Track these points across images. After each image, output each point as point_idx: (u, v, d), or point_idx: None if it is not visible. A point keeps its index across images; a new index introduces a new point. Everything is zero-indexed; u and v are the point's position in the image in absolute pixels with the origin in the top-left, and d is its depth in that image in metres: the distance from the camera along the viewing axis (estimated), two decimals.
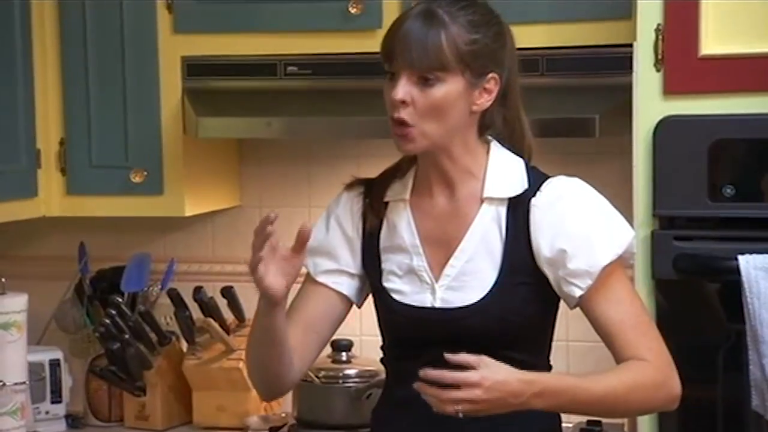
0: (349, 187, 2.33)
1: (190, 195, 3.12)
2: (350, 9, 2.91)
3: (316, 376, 3.12)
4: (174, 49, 3.06)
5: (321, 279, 2.31)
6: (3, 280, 3.09)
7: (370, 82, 2.91)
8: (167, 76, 3.07)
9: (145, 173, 3.09)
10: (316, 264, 2.32)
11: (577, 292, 2.16)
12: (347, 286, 2.30)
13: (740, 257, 2.36)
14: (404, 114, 2.14)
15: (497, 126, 2.25)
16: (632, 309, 2.17)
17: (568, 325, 3.11)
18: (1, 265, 3.27)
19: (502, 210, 2.20)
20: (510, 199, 2.20)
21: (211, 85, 3.06)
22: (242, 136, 3.23)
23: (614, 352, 2.17)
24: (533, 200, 2.19)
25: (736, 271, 2.35)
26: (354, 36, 2.93)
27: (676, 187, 2.43)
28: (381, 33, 2.85)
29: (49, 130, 3.13)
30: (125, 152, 3.10)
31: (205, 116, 3.01)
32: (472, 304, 2.18)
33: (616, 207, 2.90)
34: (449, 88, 2.14)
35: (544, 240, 2.16)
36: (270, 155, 3.36)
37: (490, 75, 2.17)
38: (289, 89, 3.00)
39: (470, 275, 2.19)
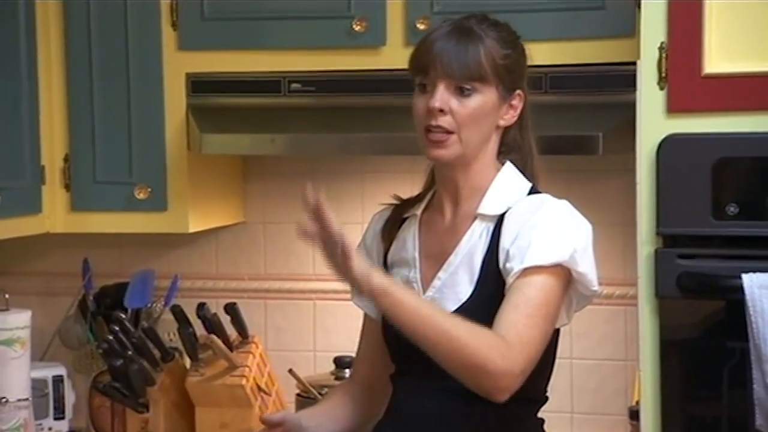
0: (382, 209, 2.43)
1: (194, 211, 3.13)
2: (354, 26, 2.91)
3: (319, 393, 3.11)
4: (178, 66, 3.06)
5: (356, 301, 2.41)
6: (6, 296, 3.09)
7: (374, 99, 2.93)
8: (172, 92, 3.07)
9: (149, 189, 3.09)
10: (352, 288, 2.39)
11: (506, 288, 2.17)
12: (374, 305, 2.35)
13: (744, 276, 2.35)
14: (442, 122, 2.21)
15: (516, 146, 2.30)
16: (532, 304, 2.14)
17: (571, 342, 3.13)
18: (4, 281, 3.27)
19: (491, 226, 2.26)
20: (500, 216, 2.25)
21: (216, 101, 3.06)
22: (246, 152, 3.23)
23: (493, 326, 2.14)
24: (508, 212, 2.24)
25: (740, 289, 2.35)
26: (358, 53, 2.93)
27: (680, 206, 2.42)
28: (385, 50, 2.91)
29: (53, 146, 3.13)
30: (129, 168, 3.11)
31: (210, 133, 3.01)
32: None
33: (617, 224, 2.93)
34: (485, 98, 2.22)
35: (503, 250, 2.21)
36: (274, 172, 3.36)
37: (517, 91, 2.26)
38: (293, 106, 3.00)
39: (450, 288, 2.25)
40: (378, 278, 2.06)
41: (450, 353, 2.07)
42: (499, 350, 2.08)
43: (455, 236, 2.28)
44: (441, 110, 2.20)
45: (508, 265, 2.18)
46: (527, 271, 2.16)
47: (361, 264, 2.05)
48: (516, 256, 2.17)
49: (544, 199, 2.26)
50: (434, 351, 2.08)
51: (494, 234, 2.24)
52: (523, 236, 2.19)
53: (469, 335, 2.08)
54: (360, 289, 2.07)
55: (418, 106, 2.23)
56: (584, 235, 2.23)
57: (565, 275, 2.19)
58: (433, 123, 2.20)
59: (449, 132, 2.21)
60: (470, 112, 2.21)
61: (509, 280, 2.17)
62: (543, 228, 2.19)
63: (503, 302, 2.16)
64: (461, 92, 2.20)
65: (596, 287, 2.25)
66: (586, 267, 2.21)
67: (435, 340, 2.07)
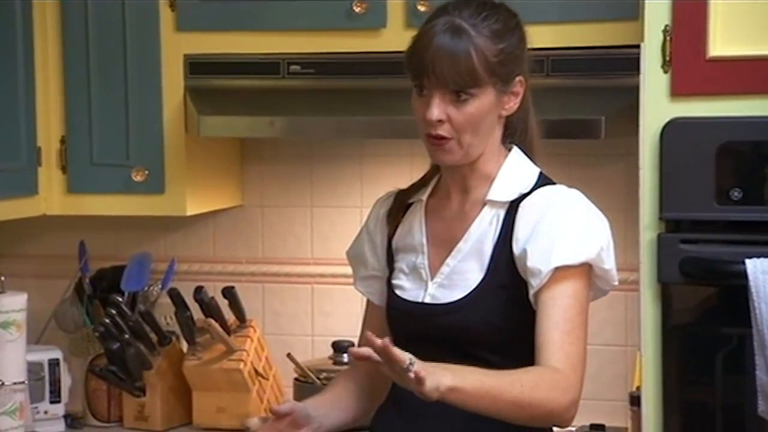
0: (384, 195, 2.41)
1: (191, 194, 3.11)
2: (354, 8, 2.89)
3: (317, 378, 3.10)
4: (177, 47, 3.04)
5: (358, 287, 2.42)
6: (2, 278, 3.07)
7: (373, 81, 2.91)
8: (169, 74, 3.05)
9: (147, 172, 3.07)
10: (355, 272, 2.43)
11: (531, 291, 2.16)
12: (377, 291, 2.38)
13: (747, 261, 2.33)
14: (442, 131, 2.18)
15: (518, 128, 2.28)
16: (570, 315, 2.15)
17: None
18: (0, 264, 3.25)
19: (501, 213, 2.24)
20: (511, 203, 2.22)
21: (214, 83, 3.04)
22: (244, 135, 3.21)
23: (536, 347, 2.14)
24: (522, 202, 2.22)
25: (743, 275, 2.33)
26: (358, 35, 2.91)
27: (683, 190, 2.41)
28: (385, 32, 2.89)
29: (50, 127, 3.11)
30: (126, 150, 3.09)
31: (208, 115, 2.99)
32: (455, 301, 2.22)
33: (619, 209, 2.92)
34: (482, 101, 2.18)
35: (518, 240, 2.19)
36: (272, 154, 3.35)
37: (517, 78, 2.22)
38: (292, 88, 2.98)
39: (459, 274, 2.23)
40: (445, 380, 2.01)
41: (520, 416, 2.09)
42: (559, 386, 2.10)
43: (464, 223, 2.26)
44: (439, 120, 2.17)
45: (530, 264, 2.15)
46: (556, 275, 2.14)
47: (431, 380, 1.99)
48: (540, 255, 2.15)
49: (559, 191, 2.23)
50: (505, 418, 2.09)
51: (506, 221, 2.21)
52: (544, 234, 2.16)
53: (531, 390, 2.07)
54: (430, 398, 2.02)
55: (417, 111, 2.21)
56: (606, 230, 2.21)
57: (589, 273, 2.18)
58: (433, 133, 2.19)
59: (448, 138, 2.19)
60: (468, 118, 2.18)
61: (536, 281, 2.15)
62: (565, 225, 2.17)
63: (539, 314, 2.15)
64: (458, 98, 2.17)
65: (617, 281, 2.24)
66: (611, 263, 2.20)
67: (505, 412, 2.07)
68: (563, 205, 2.20)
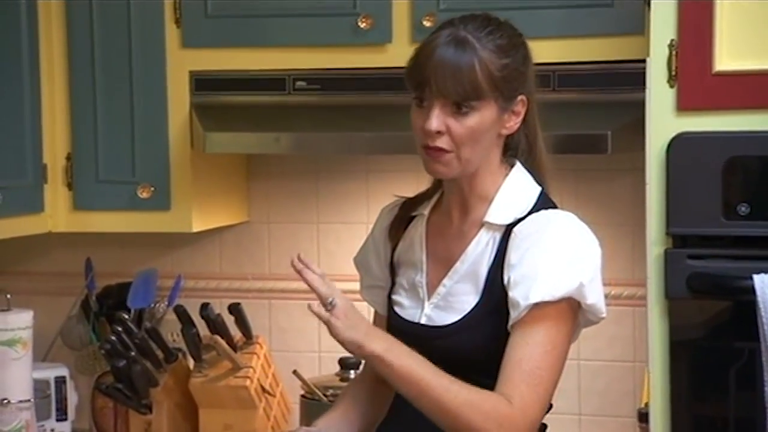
0: (390, 203, 2.41)
1: (197, 211, 3.10)
2: (360, 24, 2.89)
3: (324, 395, 3.09)
4: (182, 63, 3.04)
5: (364, 295, 2.43)
6: (8, 296, 3.07)
7: (379, 97, 2.91)
8: (175, 90, 3.05)
9: (153, 189, 3.07)
10: (361, 279, 2.44)
11: (510, 323, 2.14)
12: (382, 301, 2.37)
13: (755, 276, 2.32)
14: (441, 143, 2.16)
15: (522, 146, 2.26)
16: (537, 355, 2.12)
17: (579, 343, 3.09)
18: (6, 281, 3.26)
19: (498, 236, 2.22)
20: (507, 227, 2.20)
21: (220, 100, 3.04)
22: (250, 151, 3.21)
23: (498, 379, 2.12)
24: (515, 228, 2.19)
25: (751, 290, 2.32)
26: (363, 51, 2.91)
27: (690, 205, 2.40)
28: (391, 48, 2.89)
29: (55, 144, 3.11)
30: (132, 167, 3.09)
31: (213, 131, 2.99)
32: (449, 325, 2.21)
33: (626, 224, 2.90)
34: (483, 115, 2.16)
35: (508, 267, 2.17)
36: (278, 171, 3.34)
37: (519, 98, 2.20)
38: (297, 104, 2.98)
39: (455, 297, 2.22)
40: (373, 344, 2.05)
41: (442, 421, 2.08)
42: (497, 420, 2.07)
43: (462, 242, 2.24)
44: (438, 132, 2.16)
45: (512, 294, 2.14)
46: (533, 311, 2.11)
47: (350, 331, 2.05)
48: (521, 286, 2.13)
49: (550, 218, 2.20)
50: (428, 415, 2.09)
51: (500, 246, 2.19)
52: (527, 265, 2.14)
53: (463, 404, 2.07)
54: (353, 353, 2.09)
55: (415, 123, 2.19)
56: (592, 262, 2.18)
57: (573, 305, 2.16)
58: (431, 144, 2.16)
59: (447, 151, 2.17)
60: (468, 132, 2.16)
61: (515, 313, 2.13)
62: (548, 259, 2.14)
63: (508, 346, 2.13)
64: (459, 110, 2.15)
65: (604, 314, 2.21)
66: (595, 297, 2.16)
67: (427, 407, 2.08)
68: (550, 236, 2.16)
